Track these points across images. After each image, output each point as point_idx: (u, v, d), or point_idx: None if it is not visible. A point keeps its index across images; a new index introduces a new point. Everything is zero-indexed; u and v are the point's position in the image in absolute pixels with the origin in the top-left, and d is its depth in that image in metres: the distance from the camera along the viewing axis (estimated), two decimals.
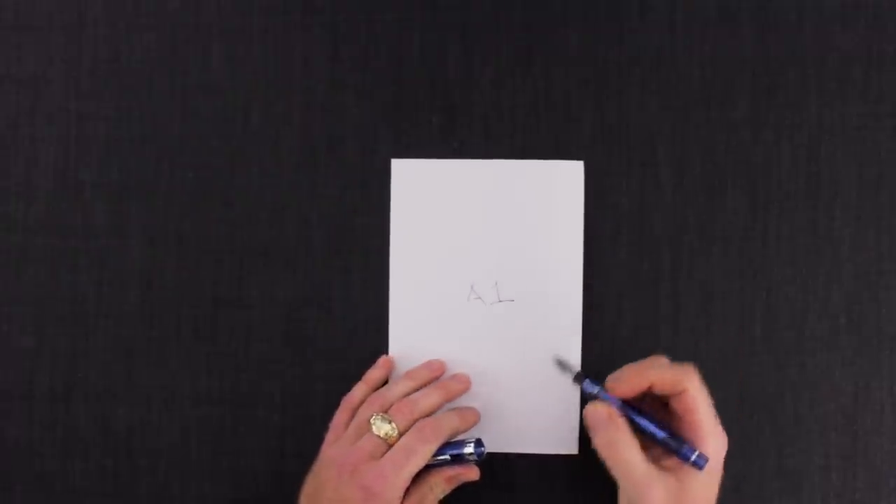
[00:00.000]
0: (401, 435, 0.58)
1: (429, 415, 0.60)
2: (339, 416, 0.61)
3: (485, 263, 0.63)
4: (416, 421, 0.59)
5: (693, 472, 0.56)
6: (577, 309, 0.63)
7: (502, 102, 0.65)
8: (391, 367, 0.63)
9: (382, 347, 0.64)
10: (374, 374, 0.63)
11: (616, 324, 0.64)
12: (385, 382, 0.63)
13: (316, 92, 0.66)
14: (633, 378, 0.57)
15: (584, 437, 0.62)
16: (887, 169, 0.64)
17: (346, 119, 0.65)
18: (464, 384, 0.63)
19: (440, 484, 0.60)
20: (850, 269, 0.63)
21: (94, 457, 0.65)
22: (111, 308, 0.65)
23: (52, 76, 0.66)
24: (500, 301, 0.63)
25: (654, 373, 0.57)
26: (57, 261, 0.66)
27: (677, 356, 0.63)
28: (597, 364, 0.64)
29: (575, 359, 0.63)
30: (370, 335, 0.65)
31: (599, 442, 0.57)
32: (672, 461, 0.56)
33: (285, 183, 0.65)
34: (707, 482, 0.56)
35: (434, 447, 0.58)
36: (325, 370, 0.65)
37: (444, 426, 0.59)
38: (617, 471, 0.56)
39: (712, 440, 0.56)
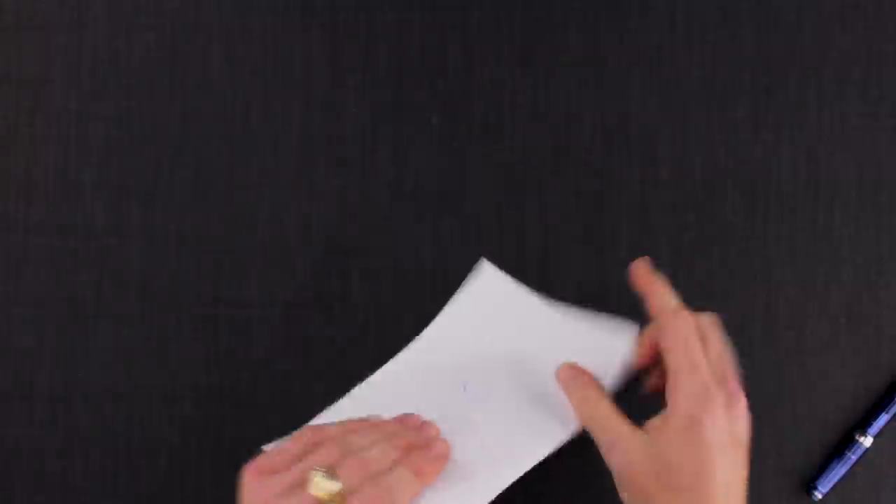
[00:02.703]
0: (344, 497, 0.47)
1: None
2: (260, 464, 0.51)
3: (489, 379, 0.58)
4: (366, 480, 0.48)
5: (664, 428, 0.49)
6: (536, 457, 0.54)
7: (502, 102, 0.65)
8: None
9: (382, 347, 0.64)
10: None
11: None
12: None
13: (316, 92, 0.66)
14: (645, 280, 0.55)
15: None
16: (887, 169, 0.64)
17: (346, 119, 0.65)
18: (438, 463, 0.52)
19: None
20: (849, 269, 0.64)
21: (94, 457, 0.65)
22: (111, 308, 0.65)
23: (52, 76, 0.66)
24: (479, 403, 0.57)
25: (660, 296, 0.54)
26: (57, 261, 0.66)
27: None
28: None
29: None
30: (370, 335, 0.65)
31: (574, 404, 0.53)
32: (654, 421, 0.50)
33: (285, 183, 0.65)
34: (683, 442, 0.48)
35: None
36: (325, 370, 0.65)
37: (399, 495, 0.48)
38: (590, 429, 0.51)
39: (683, 394, 0.49)
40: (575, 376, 0.54)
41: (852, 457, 0.61)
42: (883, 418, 0.62)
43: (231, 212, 0.65)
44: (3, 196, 0.66)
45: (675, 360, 0.50)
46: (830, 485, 0.62)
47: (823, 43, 0.64)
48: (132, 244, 0.66)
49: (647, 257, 0.56)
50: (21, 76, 0.67)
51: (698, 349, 0.51)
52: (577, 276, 0.64)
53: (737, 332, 0.63)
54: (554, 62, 0.65)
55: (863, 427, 0.62)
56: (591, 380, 0.53)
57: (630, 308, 0.64)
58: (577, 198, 0.65)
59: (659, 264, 0.64)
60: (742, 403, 0.50)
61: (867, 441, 0.61)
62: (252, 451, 0.65)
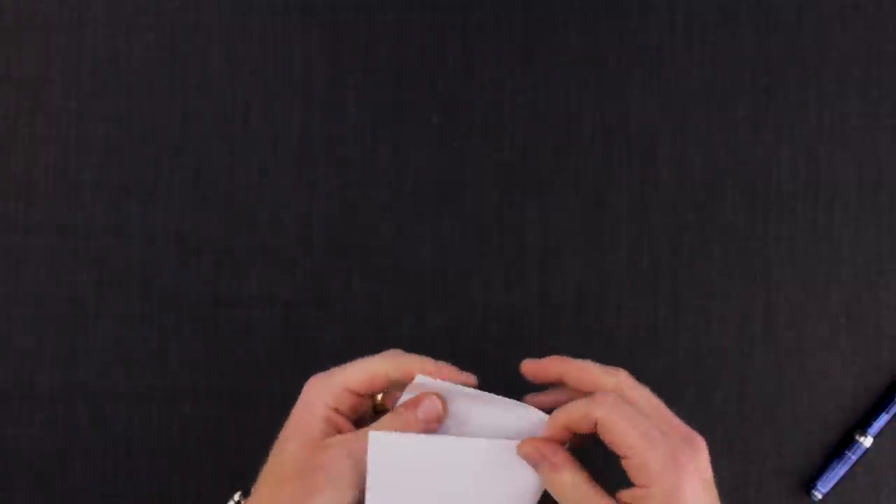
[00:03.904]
0: None
1: None
2: None
3: None
4: None
5: (646, 497, 0.46)
6: None
7: (502, 102, 0.65)
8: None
9: (382, 347, 0.64)
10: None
11: (616, 324, 0.64)
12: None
13: (316, 92, 0.66)
14: (550, 363, 0.52)
15: None
16: (887, 169, 0.64)
17: (346, 119, 0.65)
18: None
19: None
20: (849, 269, 0.63)
21: (94, 457, 0.65)
22: (111, 308, 0.65)
23: (52, 76, 0.66)
24: None
25: (575, 366, 0.51)
26: (57, 261, 0.66)
27: (677, 356, 0.63)
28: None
29: None
30: (370, 335, 0.65)
31: (548, 483, 0.49)
32: (629, 495, 0.48)
33: (285, 183, 0.65)
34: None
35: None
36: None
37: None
38: None
39: (653, 472, 0.46)
40: (542, 451, 0.49)
41: (852, 457, 0.61)
42: (883, 418, 0.62)
43: (231, 212, 0.65)
44: (3, 196, 0.66)
45: (629, 443, 0.47)
46: (830, 485, 0.62)
47: (823, 43, 0.64)
48: (132, 244, 0.66)
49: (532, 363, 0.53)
50: (21, 76, 0.67)
51: (643, 421, 0.47)
52: (577, 276, 0.64)
53: (737, 332, 0.64)
54: (554, 62, 0.65)
55: (863, 427, 0.62)
56: (561, 452, 0.49)
57: (631, 309, 0.64)
58: (577, 198, 0.65)
59: (659, 264, 0.64)
60: (701, 442, 0.48)
61: (867, 441, 0.61)
62: (251, 450, 0.65)
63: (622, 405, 0.48)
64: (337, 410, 0.52)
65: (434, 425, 0.52)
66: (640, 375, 0.63)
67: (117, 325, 0.65)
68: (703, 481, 0.47)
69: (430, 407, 0.52)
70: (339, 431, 0.52)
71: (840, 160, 0.64)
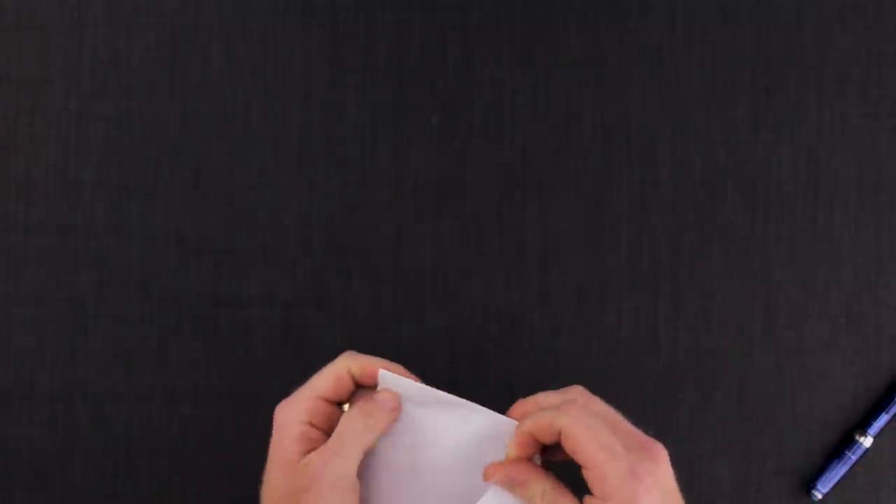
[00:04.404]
0: None
1: None
2: None
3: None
4: None
5: None
6: None
7: (502, 102, 0.65)
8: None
9: (382, 347, 0.64)
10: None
11: (616, 324, 0.64)
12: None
13: (316, 92, 0.66)
14: (514, 410, 0.52)
15: None
16: (887, 169, 0.64)
17: (346, 119, 0.65)
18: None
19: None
20: (849, 269, 0.64)
21: (94, 457, 0.65)
22: (111, 308, 0.65)
23: (52, 76, 0.66)
24: None
25: (531, 403, 0.51)
26: (57, 261, 0.66)
27: (677, 356, 0.63)
28: (596, 364, 0.64)
29: None
30: (370, 335, 0.65)
31: (522, 496, 0.50)
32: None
33: (285, 183, 0.65)
34: None
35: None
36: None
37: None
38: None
39: (611, 485, 0.46)
40: (509, 475, 0.50)
41: (852, 457, 0.61)
42: (883, 418, 0.62)
43: (231, 212, 0.65)
44: (3, 196, 0.66)
45: (590, 453, 0.47)
46: (830, 485, 0.62)
47: (823, 43, 0.64)
48: (132, 244, 0.66)
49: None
50: (21, 76, 0.67)
51: (605, 433, 0.48)
52: (577, 276, 0.64)
53: (737, 332, 0.64)
54: (554, 62, 0.65)
55: (863, 427, 0.62)
56: (524, 468, 0.50)
57: (631, 309, 0.64)
58: (577, 198, 0.65)
59: (659, 264, 0.64)
60: (660, 452, 0.48)
61: (867, 441, 0.61)
62: (251, 450, 0.65)
63: (586, 416, 0.48)
64: (312, 425, 0.53)
65: (395, 413, 0.53)
66: (640, 375, 0.64)
67: (117, 325, 0.65)
68: (662, 492, 0.47)
69: (387, 397, 0.53)
70: (316, 446, 0.52)
71: (840, 160, 0.64)
